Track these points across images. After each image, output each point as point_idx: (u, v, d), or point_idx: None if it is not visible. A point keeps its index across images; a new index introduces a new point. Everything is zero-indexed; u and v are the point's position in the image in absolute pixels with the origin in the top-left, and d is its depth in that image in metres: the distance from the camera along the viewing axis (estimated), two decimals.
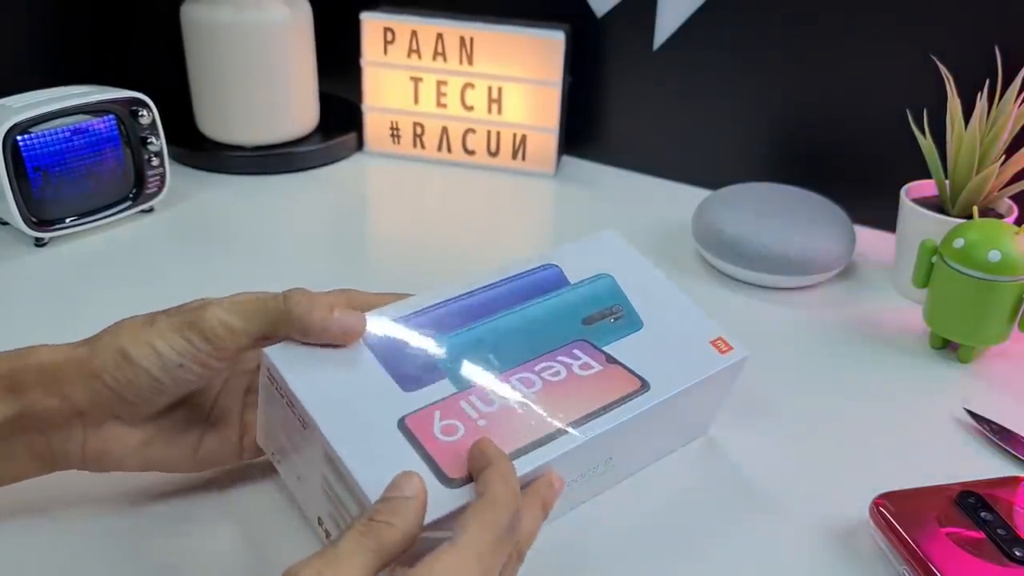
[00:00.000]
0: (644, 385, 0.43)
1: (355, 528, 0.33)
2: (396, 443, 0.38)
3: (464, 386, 0.41)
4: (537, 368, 0.43)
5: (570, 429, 0.40)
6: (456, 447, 0.38)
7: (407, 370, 0.41)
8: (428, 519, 0.35)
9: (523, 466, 0.38)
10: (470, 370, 0.42)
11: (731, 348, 0.47)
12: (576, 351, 0.44)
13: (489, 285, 0.46)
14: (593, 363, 0.44)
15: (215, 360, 0.40)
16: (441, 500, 0.36)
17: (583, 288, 0.47)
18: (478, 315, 0.44)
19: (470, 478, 0.37)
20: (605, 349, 0.45)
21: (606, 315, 0.46)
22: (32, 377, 0.39)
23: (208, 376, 0.41)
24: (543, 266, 0.48)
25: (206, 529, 0.44)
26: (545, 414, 0.41)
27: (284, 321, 0.39)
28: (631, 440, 0.44)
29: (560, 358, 0.43)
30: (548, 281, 0.47)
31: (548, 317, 0.45)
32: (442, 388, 0.41)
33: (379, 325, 0.42)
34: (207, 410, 0.44)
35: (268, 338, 0.40)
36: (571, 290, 0.47)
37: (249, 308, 0.40)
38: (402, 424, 0.39)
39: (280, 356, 0.40)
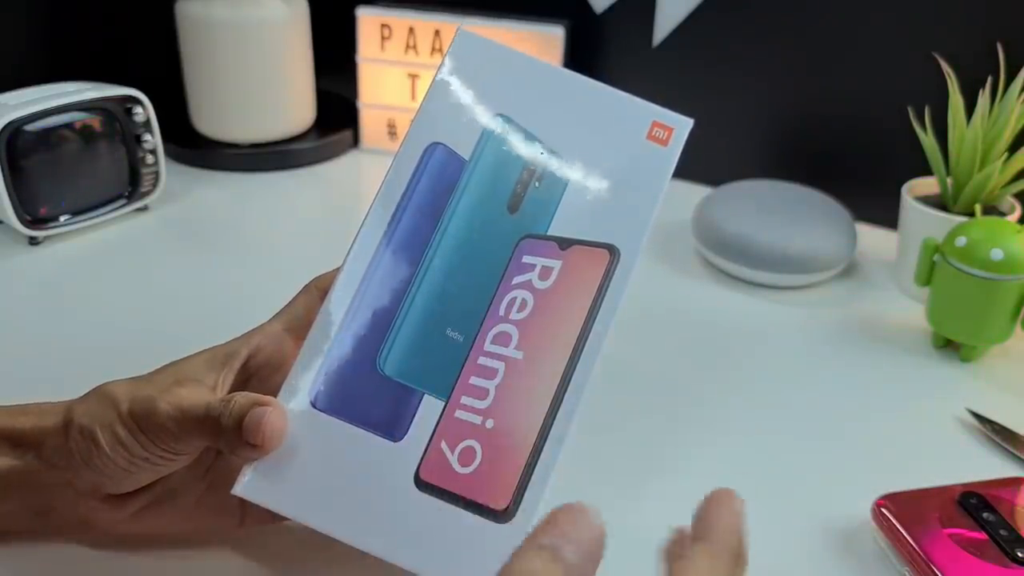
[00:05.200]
0: (612, 252, 0.37)
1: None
2: (426, 506, 0.34)
3: (447, 390, 0.36)
4: (501, 312, 0.37)
5: (579, 352, 0.36)
6: (484, 471, 0.35)
7: (380, 414, 0.36)
8: (493, 566, 0.31)
9: (564, 421, 0.35)
10: (440, 366, 0.36)
11: (671, 128, 0.39)
12: (525, 259, 0.38)
13: (386, 234, 0.39)
14: (550, 262, 0.37)
15: (183, 453, 0.36)
16: (505, 538, 0.33)
17: (484, 159, 0.39)
18: (399, 292, 0.37)
19: (520, 497, 0.34)
20: (551, 233, 0.38)
21: (527, 183, 0.38)
22: (19, 438, 0.38)
23: (185, 459, 0.37)
24: (425, 156, 0.39)
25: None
26: (543, 358, 0.36)
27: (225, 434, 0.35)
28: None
29: (516, 281, 0.37)
30: (441, 175, 0.39)
31: (472, 235, 0.38)
32: (429, 409, 0.36)
33: (322, 384, 0.36)
34: (204, 468, 0.39)
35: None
36: (473, 171, 0.39)
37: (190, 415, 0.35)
38: (419, 480, 0.35)
39: (252, 488, 0.35)
